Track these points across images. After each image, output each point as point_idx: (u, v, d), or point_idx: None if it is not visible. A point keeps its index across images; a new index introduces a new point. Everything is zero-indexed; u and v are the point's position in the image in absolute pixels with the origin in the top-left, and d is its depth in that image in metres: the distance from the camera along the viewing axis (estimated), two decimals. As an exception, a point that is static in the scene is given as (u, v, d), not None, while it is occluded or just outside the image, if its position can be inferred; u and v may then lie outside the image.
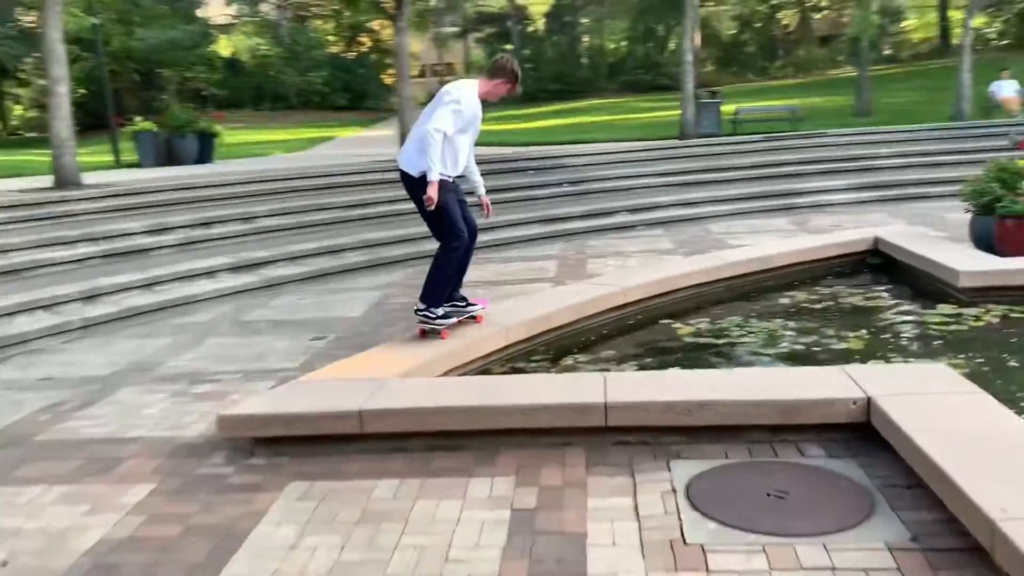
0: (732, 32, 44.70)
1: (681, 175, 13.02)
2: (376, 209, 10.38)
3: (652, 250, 9.19)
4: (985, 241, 7.05)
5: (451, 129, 4.72)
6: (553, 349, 5.43)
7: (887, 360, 4.86)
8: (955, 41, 38.84)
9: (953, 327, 5.45)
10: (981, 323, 5.48)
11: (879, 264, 7.46)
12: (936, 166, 13.14)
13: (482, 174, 5.36)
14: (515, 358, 5.24)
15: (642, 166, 13.37)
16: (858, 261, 7.49)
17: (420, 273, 5.59)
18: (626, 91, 37.51)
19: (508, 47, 40.56)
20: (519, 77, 4.97)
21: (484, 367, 5.03)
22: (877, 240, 7.56)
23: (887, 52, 37.87)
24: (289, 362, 5.45)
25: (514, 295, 6.73)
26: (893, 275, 7.03)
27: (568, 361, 5.25)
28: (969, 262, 6.18)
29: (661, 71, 38.01)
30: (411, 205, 5.14)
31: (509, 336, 5.24)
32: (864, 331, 5.46)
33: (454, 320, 5.09)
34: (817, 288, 6.87)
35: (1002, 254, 6.65)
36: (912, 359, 4.88)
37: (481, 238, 5.73)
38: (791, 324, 5.76)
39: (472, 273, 6.07)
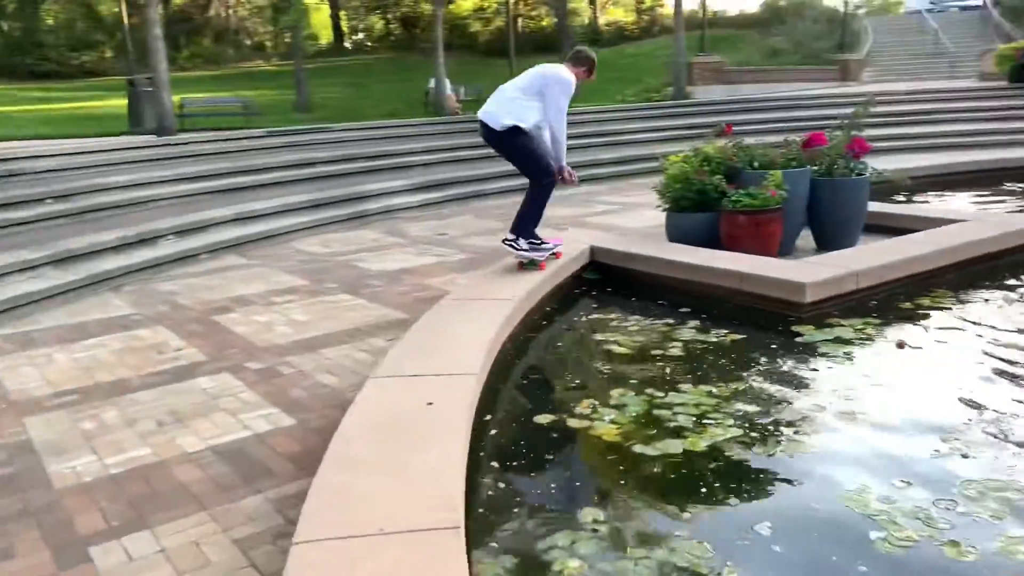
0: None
1: (191, 180, 10.21)
2: None
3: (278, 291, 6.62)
4: (698, 240, 6.44)
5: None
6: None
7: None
8: (353, 39, 40.78)
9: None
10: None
11: (599, 279, 6.27)
12: (462, 162, 12.78)
13: None
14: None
15: (133, 171, 10.09)
16: (574, 280, 6.17)
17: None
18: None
19: None
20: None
21: None
22: (595, 250, 6.37)
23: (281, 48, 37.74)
24: None
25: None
26: (644, 295, 5.86)
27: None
28: (809, 270, 5.29)
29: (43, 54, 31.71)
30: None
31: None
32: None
33: (545, 254, 5.75)
34: (554, 325, 5.37)
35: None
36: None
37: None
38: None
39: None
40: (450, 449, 2.88)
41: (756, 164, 6.78)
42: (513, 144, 5.53)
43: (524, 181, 5.83)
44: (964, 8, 33.14)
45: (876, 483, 2.99)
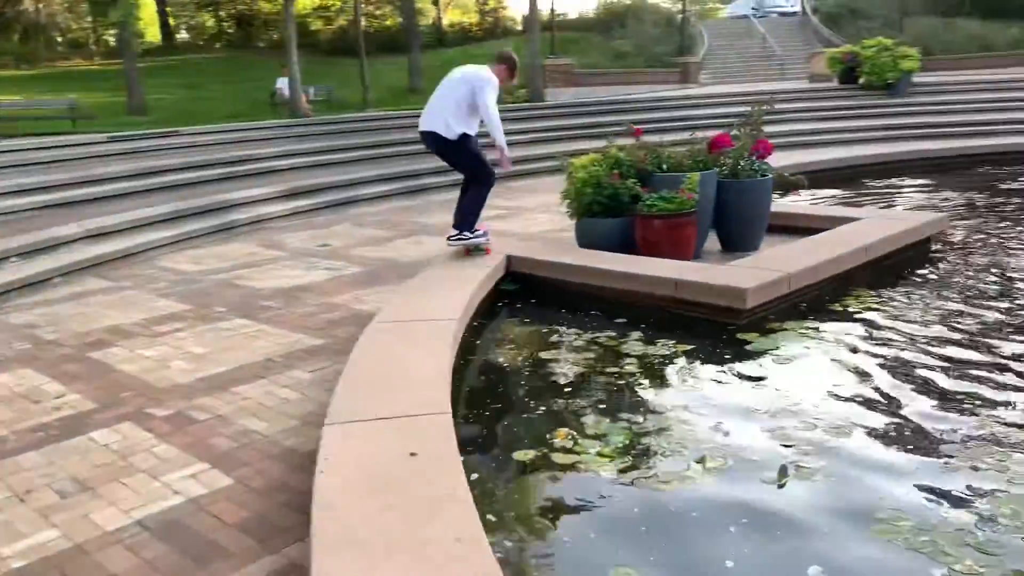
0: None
1: (23, 194, 9.09)
2: None
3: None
4: (610, 245, 6.27)
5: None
6: None
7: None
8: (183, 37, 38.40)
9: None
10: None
11: (517, 290, 5.95)
12: (328, 166, 12.12)
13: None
14: None
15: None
16: (495, 292, 5.82)
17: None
18: None
19: None
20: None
21: None
22: (513, 260, 6.04)
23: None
24: None
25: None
26: (573, 306, 5.59)
27: None
28: (746, 275, 5.13)
29: None
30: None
31: None
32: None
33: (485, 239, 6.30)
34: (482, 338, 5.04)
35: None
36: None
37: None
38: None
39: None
40: (463, 515, 2.46)
41: (665, 167, 6.69)
42: (464, 149, 6.16)
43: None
44: (783, 14, 35.42)
45: None
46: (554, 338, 4.90)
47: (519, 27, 35.19)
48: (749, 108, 7.27)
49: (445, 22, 34.90)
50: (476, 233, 6.30)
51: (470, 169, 6.36)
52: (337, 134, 13.79)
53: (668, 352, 4.53)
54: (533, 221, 8.93)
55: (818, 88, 19.47)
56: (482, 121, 6.12)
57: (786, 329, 4.80)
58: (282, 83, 19.88)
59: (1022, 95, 17.78)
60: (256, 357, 4.78)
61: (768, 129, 14.92)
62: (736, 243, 6.70)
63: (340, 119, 14.93)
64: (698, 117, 16.54)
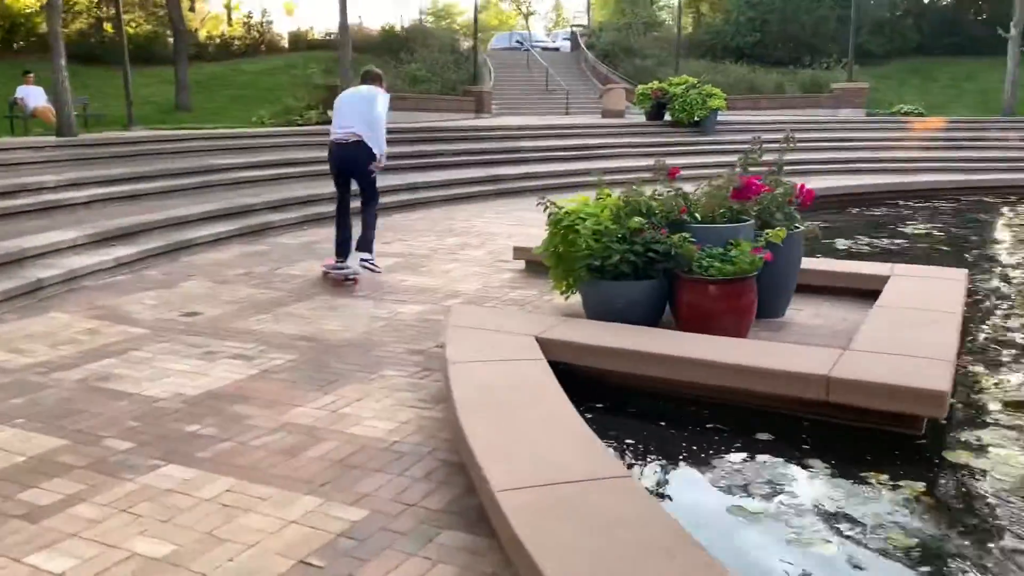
0: None
1: None
2: None
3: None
4: (637, 316, 4.87)
5: None
6: None
7: None
8: None
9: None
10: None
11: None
12: (136, 199, 9.51)
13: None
14: None
15: None
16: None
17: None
18: None
19: None
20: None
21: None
22: (544, 344, 4.38)
23: None
24: None
25: None
26: (638, 408, 4.09)
27: None
28: (930, 371, 3.84)
29: None
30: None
31: None
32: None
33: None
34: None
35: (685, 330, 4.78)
36: None
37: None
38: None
39: None
40: None
41: (698, 217, 5.39)
42: (368, 166, 6.88)
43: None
44: (545, 48, 35.97)
45: None
46: (717, 481, 3.36)
47: (284, 43, 32.58)
48: (749, 143, 6.21)
49: (202, 34, 31.35)
50: (371, 258, 7.03)
51: (372, 185, 7.06)
52: (133, 158, 11.02)
53: (901, 498, 3.18)
54: (447, 276, 7.26)
55: (632, 124, 19.35)
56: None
57: (999, 446, 3.65)
58: (25, 92, 16.25)
59: (828, 135, 18.86)
60: (278, 565, 2.74)
61: (592, 165, 14.11)
62: (765, 308, 5.53)
63: (134, 139, 12.07)
64: (512, 150, 15.57)
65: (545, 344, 4.35)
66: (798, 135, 18.67)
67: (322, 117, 20.20)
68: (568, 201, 5.72)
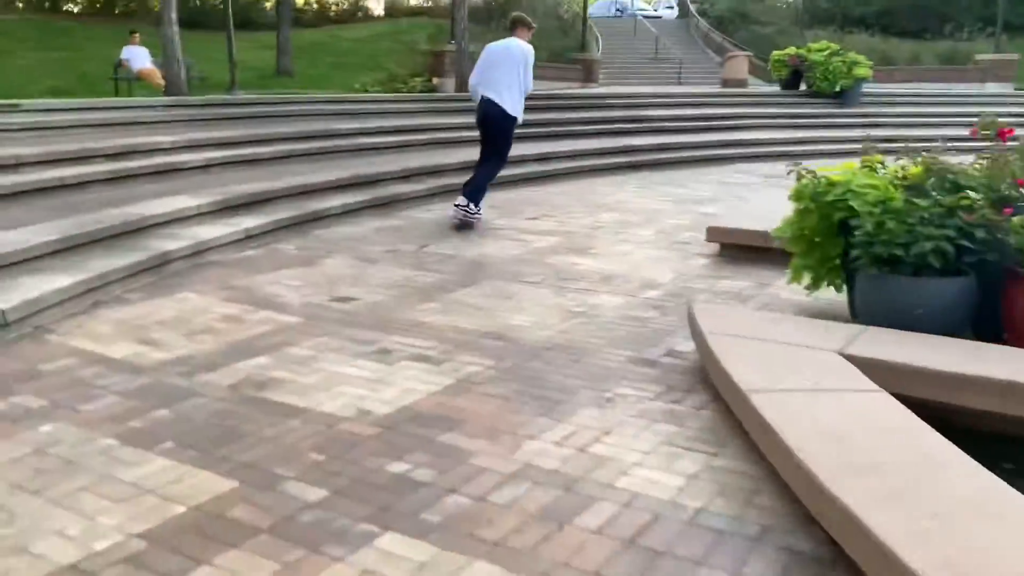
0: None
1: None
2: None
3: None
4: (944, 322, 3.61)
5: None
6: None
7: None
8: None
9: None
10: None
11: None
12: (251, 164, 8.59)
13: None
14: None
15: None
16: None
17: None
18: None
19: None
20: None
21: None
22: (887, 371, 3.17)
23: None
24: None
25: None
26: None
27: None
28: None
29: None
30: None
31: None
32: None
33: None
34: None
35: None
36: None
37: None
38: None
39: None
40: None
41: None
42: (510, 128, 6.98)
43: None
44: (648, 17, 34.17)
45: None
46: None
47: (379, 12, 31.71)
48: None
49: (300, 0, 30.73)
50: (479, 210, 7.07)
51: (507, 147, 7.18)
52: (248, 120, 10.16)
53: None
54: (627, 260, 6.07)
55: (767, 93, 17.75)
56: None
57: None
58: (130, 53, 15.65)
59: (968, 109, 16.94)
60: None
61: (728, 136, 12.72)
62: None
63: (247, 100, 11.25)
64: (640, 119, 14.26)
65: (864, 365, 3.13)
66: (951, 109, 16.82)
67: (426, 85, 19.23)
68: (829, 169, 4.47)
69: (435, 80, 19.50)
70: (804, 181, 4.46)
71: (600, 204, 8.75)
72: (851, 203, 4.13)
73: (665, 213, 8.18)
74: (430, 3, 30.39)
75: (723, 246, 6.21)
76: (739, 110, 15.92)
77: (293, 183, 7.81)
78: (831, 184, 4.30)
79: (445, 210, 8.19)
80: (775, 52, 17.99)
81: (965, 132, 15.04)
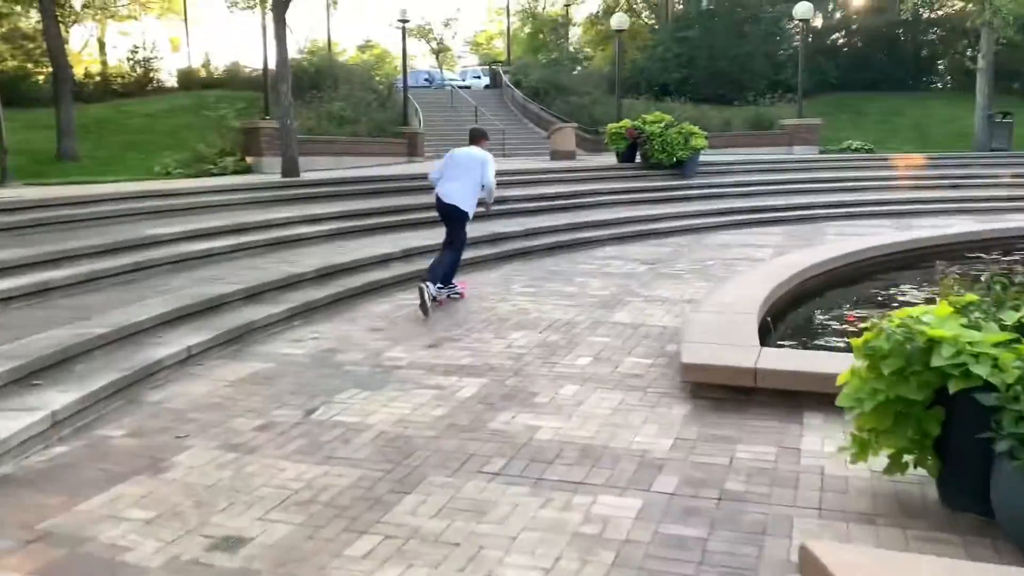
0: None
1: None
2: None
3: None
4: None
5: None
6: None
7: None
8: None
9: None
10: None
11: None
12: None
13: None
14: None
15: None
16: None
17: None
18: None
19: None
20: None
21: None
22: None
23: None
24: None
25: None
26: None
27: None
28: None
29: None
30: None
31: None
32: None
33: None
34: None
35: None
36: None
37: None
38: None
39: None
40: None
41: None
42: (464, 219, 7.88)
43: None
44: (461, 87, 33.78)
45: None
46: None
47: (172, 83, 29.04)
48: None
49: (78, 71, 27.47)
50: (454, 287, 8.05)
51: (463, 233, 8.03)
52: (31, 232, 7.95)
53: None
54: (578, 413, 4.73)
55: (607, 167, 17.25)
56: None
57: None
58: None
59: (804, 175, 17.32)
60: None
61: (588, 217, 11.98)
62: None
63: (20, 203, 8.96)
64: (497, 200, 13.27)
65: None
66: (782, 176, 17.07)
67: (240, 165, 17.19)
68: (918, 311, 3.36)
69: (249, 159, 17.50)
70: (886, 333, 3.31)
71: (499, 315, 7.39)
72: (975, 370, 3.01)
73: (581, 325, 6.96)
74: (223, 74, 28.11)
75: (698, 385, 5.00)
76: (589, 186, 15.24)
77: (110, 323, 5.84)
78: (931, 340, 3.18)
79: (318, 341, 6.52)
80: (611, 125, 17.64)
81: (804, 200, 14.99)
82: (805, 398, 4.76)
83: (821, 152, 22.28)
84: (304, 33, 51.78)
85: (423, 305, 7.18)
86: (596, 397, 5.07)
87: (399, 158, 21.07)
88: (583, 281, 9.10)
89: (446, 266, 7.77)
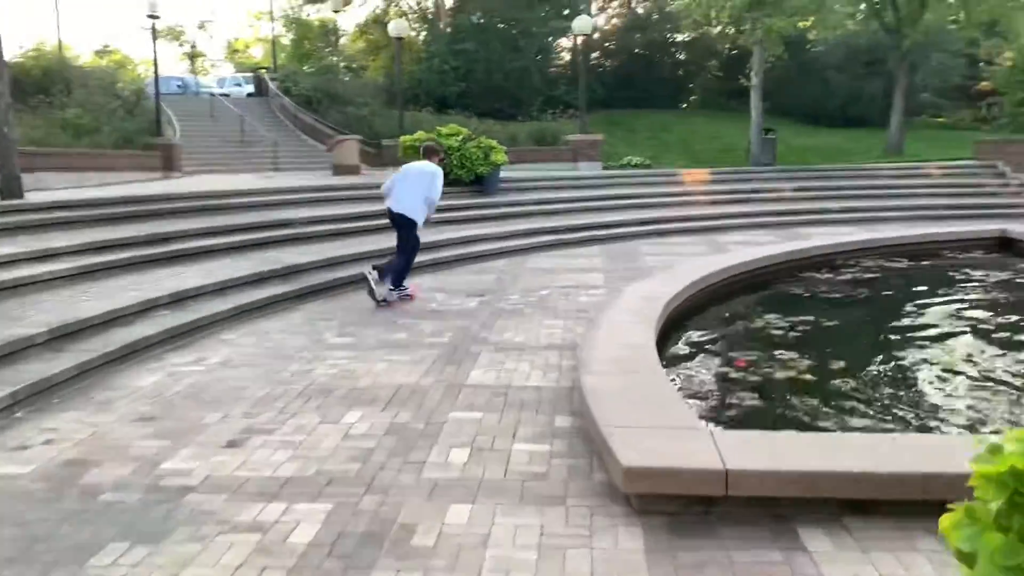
0: None
1: None
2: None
3: None
4: None
5: None
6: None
7: None
8: None
9: None
10: None
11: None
12: None
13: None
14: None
15: None
16: None
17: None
18: None
19: None
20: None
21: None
22: None
23: None
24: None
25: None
26: None
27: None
28: None
29: None
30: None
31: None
32: None
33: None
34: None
35: None
36: None
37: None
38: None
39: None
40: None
41: None
42: (414, 226, 8.39)
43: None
44: (220, 94, 30.76)
45: None
46: None
47: None
48: None
49: None
50: (404, 289, 8.42)
51: (413, 239, 8.50)
52: None
53: None
54: (474, 562, 3.16)
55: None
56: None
57: None
58: None
59: (603, 191, 16.74)
60: None
61: (373, 245, 10.68)
62: None
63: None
64: (281, 224, 11.37)
65: None
66: (581, 193, 16.37)
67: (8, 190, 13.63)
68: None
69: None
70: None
71: (319, 384, 5.59)
72: None
73: (432, 394, 5.34)
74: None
75: (644, 497, 3.56)
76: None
77: None
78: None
79: (55, 448, 4.39)
80: (404, 137, 16.05)
81: (611, 218, 14.28)
82: (787, 505, 3.49)
83: (604, 168, 22.11)
84: (26, 31, 45.21)
85: (371, 292, 8.06)
86: (503, 527, 3.48)
87: (153, 173, 18.20)
88: (410, 324, 7.47)
89: (397, 268, 8.24)
